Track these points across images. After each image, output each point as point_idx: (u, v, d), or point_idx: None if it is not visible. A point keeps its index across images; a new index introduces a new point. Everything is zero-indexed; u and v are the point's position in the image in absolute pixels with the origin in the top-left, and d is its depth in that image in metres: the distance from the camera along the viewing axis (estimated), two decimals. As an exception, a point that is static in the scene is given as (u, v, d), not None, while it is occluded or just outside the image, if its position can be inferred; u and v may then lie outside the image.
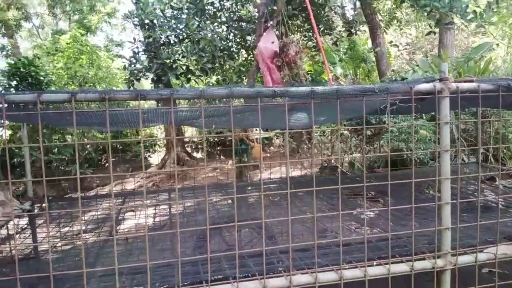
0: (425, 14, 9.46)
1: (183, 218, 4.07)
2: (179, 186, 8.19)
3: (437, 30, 10.21)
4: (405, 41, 19.07)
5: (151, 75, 10.20)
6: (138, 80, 10.49)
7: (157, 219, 4.28)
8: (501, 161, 6.78)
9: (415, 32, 18.73)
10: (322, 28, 14.15)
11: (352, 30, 12.46)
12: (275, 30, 7.10)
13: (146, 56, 10.46)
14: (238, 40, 12.25)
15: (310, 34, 14.77)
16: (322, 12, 13.50)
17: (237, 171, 6.65)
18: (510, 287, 2.46)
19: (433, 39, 20.07)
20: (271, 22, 6.75)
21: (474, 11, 8.84)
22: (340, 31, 12.76)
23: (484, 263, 2.30)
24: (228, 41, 11.51)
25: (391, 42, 15.48)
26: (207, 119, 3.20)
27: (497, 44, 19.83)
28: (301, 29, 14.91)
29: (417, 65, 8.62)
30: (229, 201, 5.10)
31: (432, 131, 6.50)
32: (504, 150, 6.82)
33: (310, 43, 15.61)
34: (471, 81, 2.19)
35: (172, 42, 10.38)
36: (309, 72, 12.45)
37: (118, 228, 3.85)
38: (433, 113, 6.62)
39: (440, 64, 2.14)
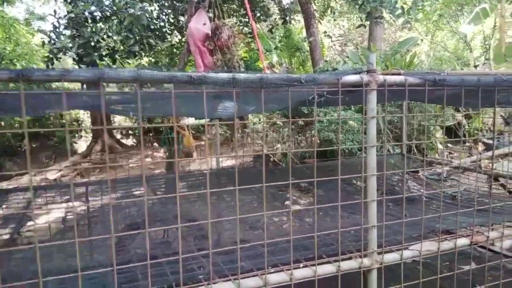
0: (357, 7, 9.67)
1: (99, 215, 3.72)
2: (98, 178, 7.67)
3: (367, 23, 10.48)
4: (338, 32, 19.53)
5: (73, 54, 9.42)
6: (58, 59, 9.64)
7: (70, 216, 3.88)
8: (424, 152, 7.13)
9: (347, 24, 19.25)
10: (258, 15, 13.98)
11: (287, 18, 12.43)
12: (208, 12, 6.80)
13: (68, 32, 9.63)
14: (171, 20, 11.72)
15: (246, 19, 14.53)
16: (259, -2, 13.32)
17: (167, 162, 6.32)
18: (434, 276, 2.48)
19: (363, 32, 20.78)
20: (203, 3, 6.44)
21: (402, 7, 9.17)
22: (275, 18, 12.69)
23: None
24: (159, 20, 10.95)
25: (325, 32, 15.76)
26: (122, 105, 2.88)
27: (421, 40, 21.03)
28: (237, 13, 14.63)
29: (348, 57, 8.78)
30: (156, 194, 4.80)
31: (360, 122, 6.63)
32: (426, 141, 7.16)
33: (246, 29, 15.40)
34: (399, 74, 2.12)
35: (97, 19, 9.64)
36: (244, 59, 12.28)
37: (23, 228, 3.42)
38: (361, 105, 6.76)
39: (367, 56, 2.05)
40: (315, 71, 9.52)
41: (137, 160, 11.74)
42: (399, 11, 9.05)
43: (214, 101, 3.24)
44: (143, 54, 11.19)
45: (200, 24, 6.15)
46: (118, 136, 15.37)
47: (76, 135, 14.85)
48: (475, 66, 14.64)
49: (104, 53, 9.74)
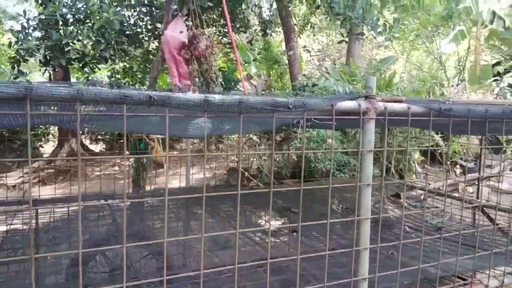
0: (338, 22, 9.49)
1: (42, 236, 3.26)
2: (61, 185, 7.11)
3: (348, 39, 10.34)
4: (317, 47, 19.50)
5: (40, 56, 8.84)
6: (26, 60, 9.02)
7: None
8: (401, 174, 6.92)
9: (326, 39, 19.24)
10: (237, 26, 13.69)
11: (267, 31, 12.19)
12: (186, 19, 6.43)
13: (38, 34, 9.06)
14: (149, 27, 11.26)
15: (225, 30, 14.22)
16: (239, 9, 13.03)
17: (134, 176, 5.84)
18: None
19: (341, 48, 20.81)
20: (181, 11, 6.06)
21: (384, 24, 9.04)
22: (255, 30, 12.43)
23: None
24: (136, 27, 10.48)
25: (304, 46, 15.62)
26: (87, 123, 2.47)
27: (397, 59, 21.25)
28: (217, 23, 14.30)
29: (328, 73, 8.56)
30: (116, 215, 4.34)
31: (340, 140, 6.36)
32: (405, 163, 6.96)
33: (225, 39, 15.08)
34: (401, 101, 1.81)
35: (69, 22, 9.10)
36: (222, 69, 11.93)
37: None
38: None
39: (366, 79, 1.72)
40: (294, 85, 9.26)
41: (107, 167, 11.14)
42: (381, 28, 8.93)
43: (184, 119, 2.86)
44: (115, 59, 10.68)
45: (176, 32, 5.75)
46: (87, 142, 14.67)
47: (43, 138, 14.06)
48: (451, 86, 14.80)
49: (73, 57, 9.20)
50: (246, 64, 14.99)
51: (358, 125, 1.73)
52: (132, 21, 10.10)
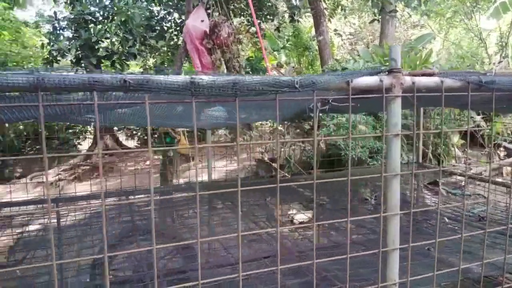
0: (369, 3, 9.01)
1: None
2: (95, 181, 7.16)
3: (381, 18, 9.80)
4: (348, 30, 18.82)
5: (72, 56, 8.94)
6: (58, 61, 9.16)
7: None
8: (440, 160, 6.46)
9: (358, 22, 18.53)
10: (265, 13, 13.36)
11: (295, 17, 11.80)
12: (209, 9, 6.23)
13: (69, 34, 9.16)
14: (177, 21, 11.20)
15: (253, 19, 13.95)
16: (266, -3, 12.71)
17: (161, 170, 5.75)
18: None
19: (374, 31, 20.02)
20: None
21: (418, -1, 8.46)
22: (283, 16, 12.07)
23: None
24: (164, 21, 10.40)
25: (335, 30, 15.07)
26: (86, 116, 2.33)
27: (434, 38, 20.20)
28: (244, 13, 14.04)
29: (359, 55, 8.12)
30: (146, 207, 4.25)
31: (372, 126, 5.99)
32: (443, 147, 6.49)
33: (253, 28, 14.79)
34: (432, 74, 1.51)
35: (98, 20, 9.12)
36: (249, 59, 11.68)
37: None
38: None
39: (390, 50, 1.44)
40: (323, 70, 8.89)
41: (140, 161, 11.22)
42: (416, 2, 8.38)
43: (201, 108, 2.66)
44: (146, 55, 10.66)
45: (197, 21, 5.56)
46: (123, 137, 14.88)
47: (81, 136, 14.40)
48: (492, 63, 13.84)
49: (102, 55, 9.24)
50: (275, 52, 14.67)
51: (385, 112, 1.46)
52: (160, 16, 10.03)
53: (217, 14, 5.83)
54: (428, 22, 18.46)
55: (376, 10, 8.55)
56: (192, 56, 5.68)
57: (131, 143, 14.73)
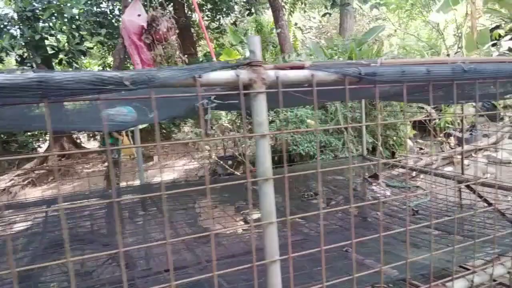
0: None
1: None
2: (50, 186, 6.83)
3: (334, 12, 9.74)
4: (313, 25, 18.78)
5: (14, 55, 8.47)
6: (2, 61, 8.65)
7: None
8: (392, 150, 6.42)
9: (318, 16, 18.50)
10: (223, 8, 13.10)
11: (252, 10, 11.62)
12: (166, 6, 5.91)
13: (14, 32, 8.67)
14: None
15: (213, 14, 13.67)
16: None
17: (106, 173, 5.46)
18: None
19: (337, 24, 20.07)
20: (139, -8, 5.55)
21: (368, -8, 8.41)
22: (240, 11, 11.88)
23: None
24: (113, 16, 10.01)
25: (295, 24, 14.97)
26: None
27: (395, 30, 20.40)
28: (204, 8, 13.75)
29: (309, 49, 8.02)
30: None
31: (320, 120, 5.88)
32: (394, 138, 6.45)
33: (213, 23, 14.51)
34: (302, 67, 1.35)
35: (42, 16, 8.65)
36: (207, 54, 11.41)
37: None
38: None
39: (248, 40, 1.26)
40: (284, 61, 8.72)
41: (98, 163, 10.82)
42: (365, -5, 8.34)
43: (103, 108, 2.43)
44: (104, 53, 10.22)
45: (134, 15, 5.28)
46: (85, 139, 14.36)
47: (40, 138, 13.78)
48: (448, 55, 14.03)
49: (49, 53, 8.81)
50: (235, 46, 14.43)
51: (249, 109, 1.28)
52: (107, 11, 9.65)
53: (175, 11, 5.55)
54: (388, 15, 18.62)
55: (328, 3, 8.46)
56: (131, 53, 5.41)
57: (93, 144, 14.23)
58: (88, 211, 3.88)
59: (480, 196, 3.44)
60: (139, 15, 5.27)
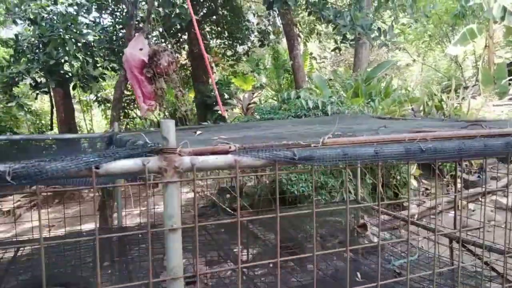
0: (331, 30, 8.87)
1: None
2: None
3: (343, 46, 9.63)
4: (328, 55, 18.79)
5: (29, 80, 8.67)
6: (17, 85, 8.85)
7: None
8: (395, 191, 6.16)
9: (333, 46, 18.49)
10: (240, 36, 13.19)
11: (265, 41, 11.64)
12: (155, 37, 5.98)
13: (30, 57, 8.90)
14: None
15: (230, 41, 13.81)
16: (241, 20, 12.60)
17: (99, 209, 5.38)
18: None
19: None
20: (143, 26, 5.61)
21: (379, 29, 8.33)
22: (253, 41, 11.91)
23: None
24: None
25: (311, 54, 14.95)
26: None
27: (414, 60, 20.17)
28: (221, 35, 13.91)
29: (313, 82, 7.90)
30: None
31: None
32: (398, 177, 6.20)
33: (229, 52, 14.64)
34: (227, 151, 1.22)
35: (58, 42, 8.85)
36: (219, 82, 11.45)
37: None
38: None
39: (161, 125, 1.14)
40: (281, 96, 8.65)
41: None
42: (375, 33, 8.22)
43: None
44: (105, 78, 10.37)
45: (136, 49, 5.30)
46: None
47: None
48: (466, 88, 13.70)
49: (61, 79, 8.96)
50: (251, 73, 14.49)
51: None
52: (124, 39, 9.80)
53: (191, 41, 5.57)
54: (406, 45, 18.46)
55: (339, 38, 8.36)
56: (133, 87, 5.42)
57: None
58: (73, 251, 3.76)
59: (485, 262, 3.16)
60: (141, 49, 5.28)
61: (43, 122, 15.68)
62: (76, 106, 18.64)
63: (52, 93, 11.18)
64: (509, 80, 10.89)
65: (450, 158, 1.56)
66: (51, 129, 13.99)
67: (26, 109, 15.26)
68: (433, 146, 1.47)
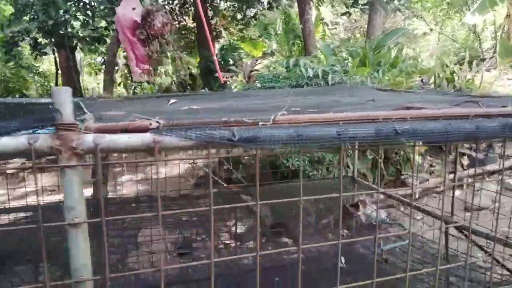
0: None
1: None
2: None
3: (353, 10, 9.11)
4: (341, 21, 18.01)
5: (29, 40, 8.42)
6: (17, 44, 8.62)
7: None
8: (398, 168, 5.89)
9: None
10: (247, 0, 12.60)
11: (274, 4, 11.10)
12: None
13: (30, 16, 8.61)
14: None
15: (239, 4, 13.23)
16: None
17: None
18: None
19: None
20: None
21: (393, -8, 7.81)
22: (262, 2, 11.36)
23: None
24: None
25: (322, 19, 14.31)
26: None
27: (431, 29, 19.23)
28: (230, -2, 13.32)
29: (320, 50, 7.49)
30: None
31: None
32: (402, 153, 5.91)
33: (238, 15, 14.05)
34: (146, 128, 0.98)
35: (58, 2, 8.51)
36: (225, 47, 11.02)
37: None
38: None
39: (52, 94, 0.90)
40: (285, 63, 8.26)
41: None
42: (388, -4, 7.71)
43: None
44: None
45: (128, 9, 4.98)
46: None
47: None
48: (483, 60, 13.02)
49: (61, 40, 8.69)
50: (260, 39, 13.98)
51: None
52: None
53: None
54: (423, 13, 17.56)
55: (349, 2, 7.89)
56: (125, 48, 5.15)
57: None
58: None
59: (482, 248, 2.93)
60: (133, 9, 4.96)
61: (51, 84, 15.54)
62: (87, 69, 18.43)
63: (56, 55, 10.92)
64: (529, 52, 10.26)
65: (434, 141, 1.30)
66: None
67: (34, 71, 15.10)
68: (411, 127, 1.21)
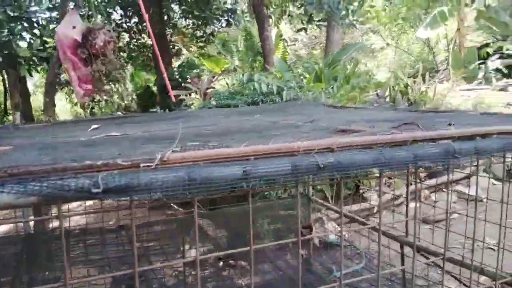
0: (296, 11, 8.39)
1: None
2: None
3: (310, 27, 9.13)
4: (300, 37, 18.23)
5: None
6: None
7: None
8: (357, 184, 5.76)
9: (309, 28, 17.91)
10: (206, 16, 12.47)
11: (232, 21, 11.01)
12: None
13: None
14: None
15: (199, 22, 13.05)
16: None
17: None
18: None
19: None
20: (78, 1, 4.94)
21: (346, 8, 7.84)
22: (220, 20, 11.25)
23: None
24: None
25: (280, 36, 14.38)
26: None
27: (387, 44, 19.79)
28: (189, 15, 13.14)
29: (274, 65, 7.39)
30: None
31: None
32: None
33: (198, 32, 13.86)
34: None
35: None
36: (182, 65, 10.78)
37: None
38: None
39: None
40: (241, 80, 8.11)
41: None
42: (343, 12, 7.72)
43: None
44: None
45: (69, 27, 4.65)
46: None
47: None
48: (437, 71, 13.39)
49: (5, 60, 8.17)
50: (228, 57, 13.85)
51: None
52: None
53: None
54: (380, 28, 18.04)
55: (305, 18, 7.87)
56: (67, 69, 4.79)
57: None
58: None
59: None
60: (74, 27, 4.64)
61: (2, 106, 14.72)
62: (41, 89, 17.60)
63: (5, 76, 10.31)
64: (479, 64, 10.60)
65: (366, 172, 1.10)
66: (6, 114, 13.09)
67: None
68: (336, 160, 0.99)
